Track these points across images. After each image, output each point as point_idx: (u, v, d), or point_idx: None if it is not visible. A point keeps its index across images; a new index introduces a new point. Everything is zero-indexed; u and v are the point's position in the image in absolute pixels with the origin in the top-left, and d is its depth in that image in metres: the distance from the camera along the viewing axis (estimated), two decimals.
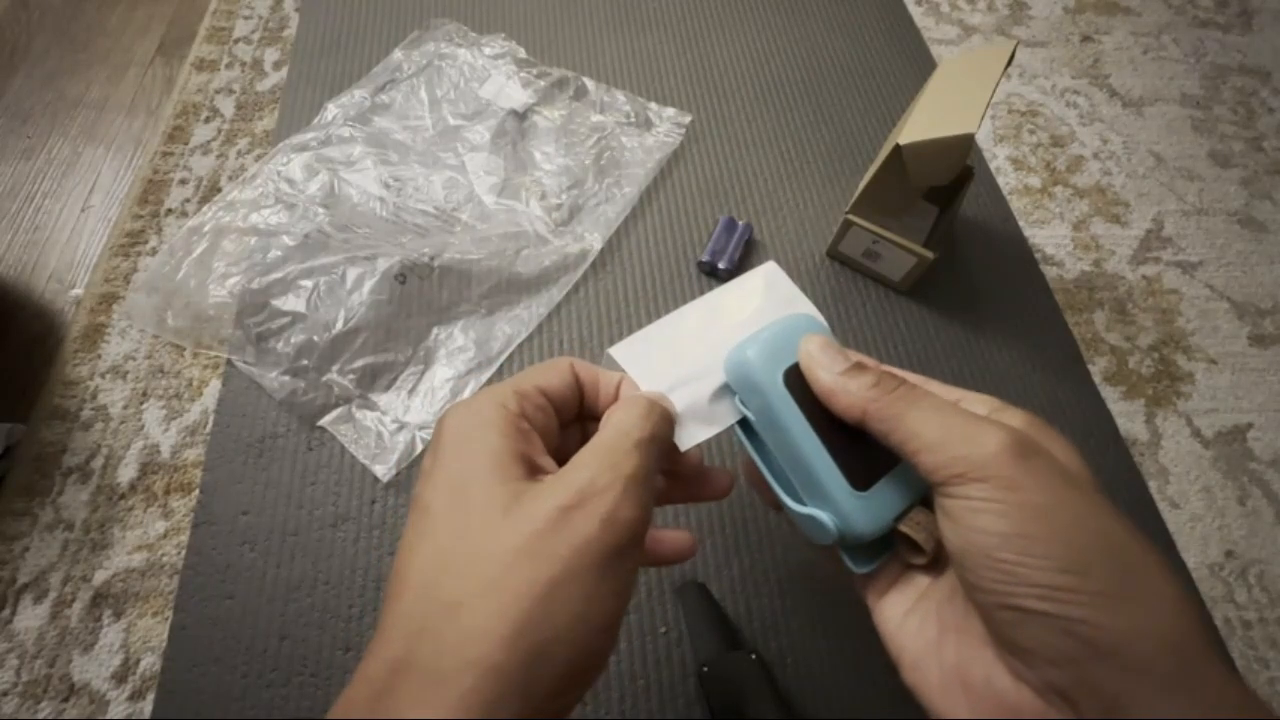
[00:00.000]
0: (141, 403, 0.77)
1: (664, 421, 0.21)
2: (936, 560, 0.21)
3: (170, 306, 0.45)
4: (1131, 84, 1.19)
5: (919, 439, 0.19)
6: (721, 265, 0.48)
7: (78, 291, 0.87)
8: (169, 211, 0.93)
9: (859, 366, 0.21)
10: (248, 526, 0.39)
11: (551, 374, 0.22)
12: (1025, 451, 0.18)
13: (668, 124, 0.56)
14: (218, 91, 1.07)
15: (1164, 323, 0.93)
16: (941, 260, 0.48)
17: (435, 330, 0.45)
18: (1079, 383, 0.47)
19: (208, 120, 1.03)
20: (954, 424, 0.19)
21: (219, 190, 0.75)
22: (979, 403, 0.22)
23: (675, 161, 0.55)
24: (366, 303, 0.43)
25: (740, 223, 0.50)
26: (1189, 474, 0.82)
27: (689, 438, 0.23)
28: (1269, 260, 1.00)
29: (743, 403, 0.23)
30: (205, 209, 0.48)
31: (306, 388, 0.42)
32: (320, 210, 0.48)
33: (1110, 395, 0.86)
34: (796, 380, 0.22)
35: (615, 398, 0.23)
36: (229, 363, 0.44)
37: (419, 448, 0.41)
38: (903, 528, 0.21)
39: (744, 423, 0.24)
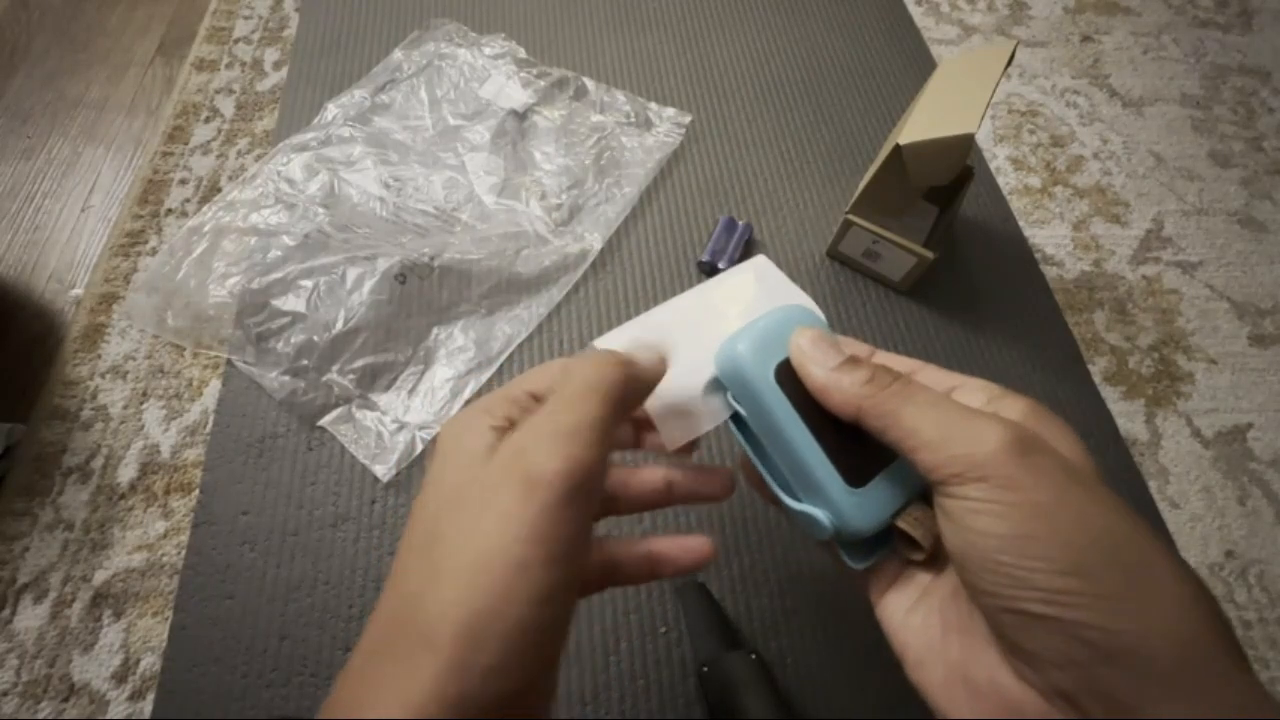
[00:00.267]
0: (141, 403, 0.77)
1: (606, 371, 0.20)
2: (936, 556, 0.21)
3: (170, 306, 0.45)
4: (1131, 84, 1.19)
5: (916, 436, 0.18)
6: (722, 265, 0.48)
7: (78, 291, 0.87)
8: (169, 211, 0.93)
9: (853, 361, 0.21)
10: (248, 526, 0.39)
11: (541, 378, 0.22)
12: (1025, 448, 0.17)
13: (668, 124, 0.56)
14: (218, 91, 1.07)
15: (1164, 323, 0.92)
16: (941, 260, 0.48)
17: (435, 330, 0.45)
18: (1079, 383, 0.47)
19: (208, 120, 1.03)
20: (952, 420, 0.18)
21: (219, 190, 0.75)
22: (978, 389, 0.21)
23: (675, 161, 0.55)
24: (366, 303, 0.43)
25: (740, 223, 0.50)
26: (1189, 474, 0.81)
27: (680, 434, 0.23)
28: (1269, 260, 1.00)
29: (734, 398, 0.22)
30: (205, 209, 0.48)
31: (306, 388, 0.42)
32: (320, 210, 0.48)
33: (1110, 395, 0.86)
34: (789, 375, 0.21)
35: None
36: (229, 363, 0.44)
37: (419, 448, 0.41)
38: (900, 524, 0.21)
39: (738, 418, 0.23)
